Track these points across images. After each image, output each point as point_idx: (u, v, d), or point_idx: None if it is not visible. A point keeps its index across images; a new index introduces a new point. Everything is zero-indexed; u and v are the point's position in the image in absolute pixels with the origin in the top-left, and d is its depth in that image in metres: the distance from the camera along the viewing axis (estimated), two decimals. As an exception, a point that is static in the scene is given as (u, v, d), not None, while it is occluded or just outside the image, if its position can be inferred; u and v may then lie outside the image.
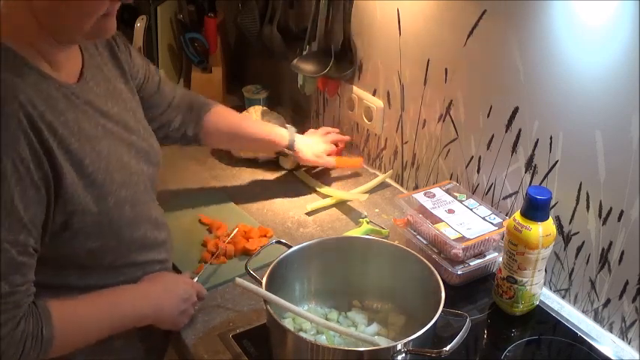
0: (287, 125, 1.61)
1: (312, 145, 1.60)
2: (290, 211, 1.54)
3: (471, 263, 1.27)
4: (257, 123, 1.65)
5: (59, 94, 0.95)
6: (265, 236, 1.42)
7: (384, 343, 1.07)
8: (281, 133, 1.54)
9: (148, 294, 1.10)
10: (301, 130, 1.69)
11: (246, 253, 1.35)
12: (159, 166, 1.19)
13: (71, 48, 1.00)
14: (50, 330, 0.93)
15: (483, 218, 1.31)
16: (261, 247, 1.29)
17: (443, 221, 1.30)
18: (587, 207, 1.18)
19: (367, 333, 1.11)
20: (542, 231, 1.13)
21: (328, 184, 1.65)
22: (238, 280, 1.03)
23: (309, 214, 1.53)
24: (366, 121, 1.70)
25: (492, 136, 1.35)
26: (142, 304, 1.08)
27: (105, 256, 1.04)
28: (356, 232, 1.42)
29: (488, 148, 1.37)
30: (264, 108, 1.80)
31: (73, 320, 0.98)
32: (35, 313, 0.92)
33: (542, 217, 1.13)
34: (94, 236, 0.99)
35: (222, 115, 1.47)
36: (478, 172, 1.41)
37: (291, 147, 1.54)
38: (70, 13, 0.91)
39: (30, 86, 0.89)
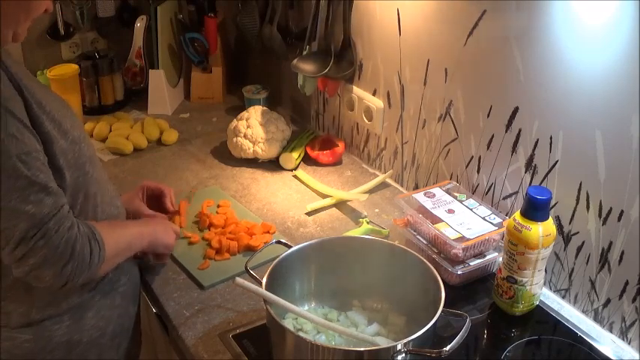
0: None
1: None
2: (290, 211, 1.55)
3: (470, 263, 1.27)
4: None
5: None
6: (268, 232, 1.43)
7: (384, 343, 1.06)
8: None
9: (145, 222, 1.30)
10: (301, 130, 1.69)
11: (250, 250, 1.36)
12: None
13: None
14: (100, 233, 1.06)
15: (483, 218, 1.31)
16: (265, 243, 1.29)
17: (443, 221, 1.30)
18: (587, 207, 1.18)
19: (367, 333, 1.11)
20: (542, 231, 1.13)
21: (328, 184, 1.65)
22: (238, 279, 1.03)
23: (309, 214, 1.53)
24: (366, 121, 1.70)
25: (492, 136, 1.35)
26: (144, 228, 1.24)
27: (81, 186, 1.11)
28: (356, 232, 1.42)
29: (488, 148, 1.37)
30: (264, 108, 1.80)
31: (106, 232, 1.08)
32: (81, 222, 1.04)
33: (542, 217, 1.13)
34: (72, 168, 1.07)
35: None
36: (478, 172, 1.41)
37: None
38: (11, 11, 0.97)
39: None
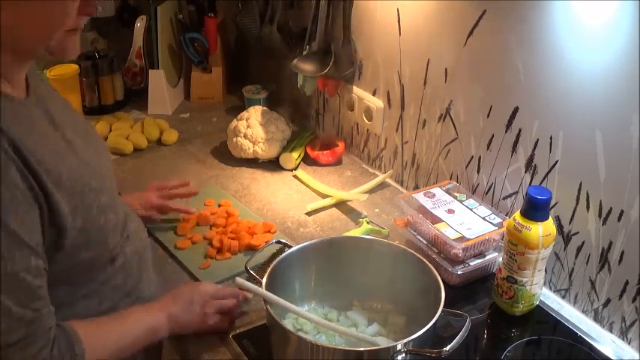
0: None
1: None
2: (290, 211, 1.55)
3: (470, 263, 1.27)
4: None
5: (24, 113, 0.91)
6: (269, 232, 1.43)
7: (384, 343, 1.06)
8: None
9: (152, 306, 1.09)
10: (301, 130, 1.69)
11: (251, 249, 1.36)
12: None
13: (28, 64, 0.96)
14: (81, 346, 0.92)
15: (483, 218, 1.31)
16: (266, 242, 1.29)
17: (443, 221, 1.30)
18: (587, 207, 1.18)
19: (367, 333, 1.11)
20: (542, 231, 1.13)
21: (328, 184, 1.65)
22: (238, 279, 1.03)
23: (309, 214, 1.53)
24: (366, 121, 1.70)
25: (492, 136, 1.35)
26: (151, 314, 1.07)
27: (95, 265, 1.01)
28: (356, 232, 1.42)
29: (488, 148, 1.37)
30: (264, 108, 1.80)
31: (97, 336, 0.97)
32: (63, 334, 0.91)
33: (542, 217, 1.13)
34: (84, 249, 0.96)
35: None
36: (478, 172, 1.41)
37: None
38: (35, 21, 0.86)
39: (3, 110, 0.85)
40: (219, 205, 1.53)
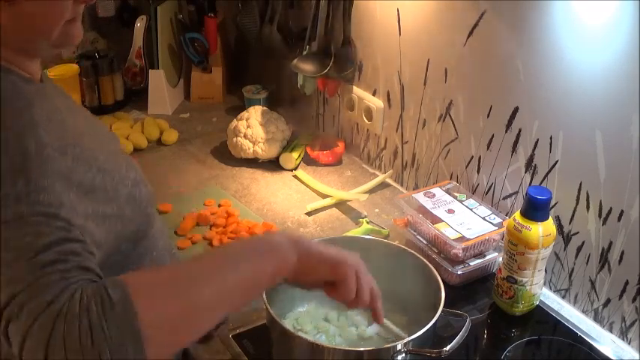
0: None
1: None
2: (290, 211, 1.55)
3: (470, 263, 1.27)
4: None
5: (44, 93, 0.89)
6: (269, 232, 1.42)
7: (384, 343, 1.06)
8: None
9: (277, 238, 0.84)
10: (301, 130, 1.69)
11: None
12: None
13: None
14: (122, 290, 0.66)
15: (483, 218, 1.31)
16: None
17: (443, 221, 1.30)
18: (587, 207, 1.18)
19: (367, 333, 1.11)
20: (542, 231, 1.13)
21: (328, 184, 1.65)
22: None
23: (309, 214, 1.53)
24: (366, 121, 1.70)
25: (492, 136, 1.35)
26: (250, 242, 0.84)
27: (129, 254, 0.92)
28: (356, 232, 1.42)
29: (488, 148, 1.37)
30: (264, 108, 1.80)
31: (156, 281, 0.71)
32: (96, 284, 0.69)
33: (542, 217, 1.13)
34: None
35: None
36: (478, 172, 1.41)
37: None
38: (34, 22, 0.85)
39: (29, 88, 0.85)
40: (219, 205, 1.53)
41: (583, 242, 1.21)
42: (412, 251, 1.14)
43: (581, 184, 1.18)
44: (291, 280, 0.85)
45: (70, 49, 2.07)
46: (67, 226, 0.72)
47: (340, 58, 1.67)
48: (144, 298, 0.66)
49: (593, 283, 1.21)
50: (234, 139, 1.72)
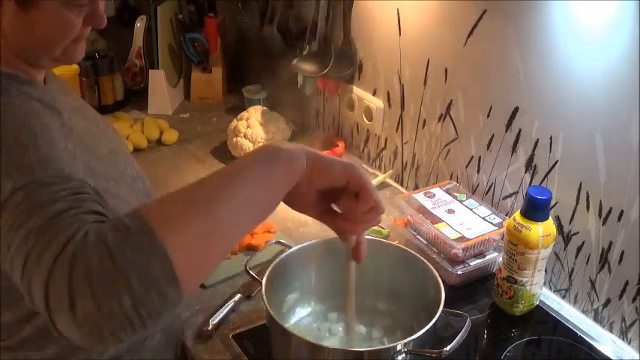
0: None
1: None
2: (290, 210, 1.53)
3: (470, 263, 1.27)
4: None
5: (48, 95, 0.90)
6: (269, 232, 1.42)
7: (384, 343, 1.06)
8: None
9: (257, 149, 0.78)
10: (301, 130, 1.68)
11: (251, 249, 1.36)
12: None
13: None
14: (138, 218, 0.64)
15: (483, 218, 1.31)
16: (266, 242, 1.28)
17: (443, 221, 1.30)
18: (587, 207, 1.18)
19: (367, 333, 1.11)
20: (542, 231, 1.13)
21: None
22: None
23: (309, 214, 1.53)
24: (366, 121, 1.70)
25: (492, 136, 1.35)
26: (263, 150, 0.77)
27: None
28: (356, 232, 1.42)
29: (488, 148, 1.37)
30: (264, 108, 1.80)
31: (171, 205, 0.68)
32: (110, 219, 0.68)
33: (542, 217, 1.13)
34: None
35: None
36: (478, 172, 1.41)
37: None
38: (41, 32, 0.85)
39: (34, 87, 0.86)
40: None
41: (583, 242, 1.21)
42: (412, 251, 1.14)
43: (581, 184, 1.18)
44: (306, 184, 0.79)
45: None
46: (80, 184, 0.71)
47: (340, 58, 1.67)
48: (162, 222, 0.64)
49: (593, 283, 1.21)
50: (234, 139, 1.72)
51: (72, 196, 0.68)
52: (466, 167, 1.44)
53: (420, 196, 1.39)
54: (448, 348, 0.94)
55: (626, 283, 1.15)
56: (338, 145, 1.75)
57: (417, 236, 1.34)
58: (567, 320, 1.22)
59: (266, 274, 1.06)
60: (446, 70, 1.42)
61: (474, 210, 1.34)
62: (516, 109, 1.27)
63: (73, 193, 0.69)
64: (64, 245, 0.61)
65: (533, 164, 1.27)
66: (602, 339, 1.18)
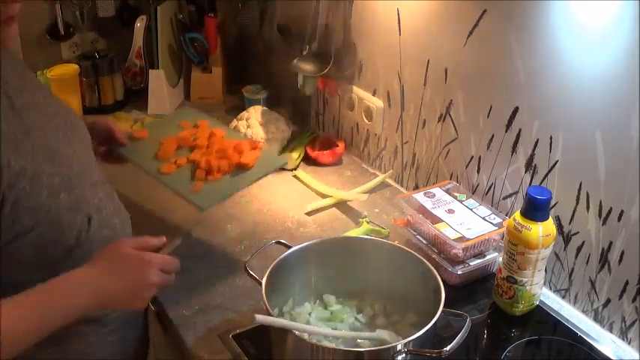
0: None
1: None
2: (290, 211, 1.54)
3: (470, 263, 1.27)
4: None
5: None
6: (256, 148, 1.36)
7: (387, 338, 1.06)
8: None
9: (85, 279, 0.93)
10: (301, 130, 1.68)
11: (241, 168, 1.31)
12: (90, 142, 1.12)
13: None
14: None
15: (483, 218, 1.31)
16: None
17: (443, 221, 1.30)
18: (587, 207, 1.18)
19: (367, 334, 1.11)
20: (542, 231, 1.13)
21: (328, 184, 1.65)
22: (258, 316, 0.95)
23: (309, 214, 1.53)
24: (366, 121, 1.70)
25: (492, 136, 1.35)
26: (76, 293, 0.92)
27: (49, 247, 0.96)
28: (356, 232, 1.42)
29: (488, 148, 1.37)
30: (264, 108, 1.80)
31: (15, 318, 0.84)
32: None
33: (542, 217, 1.13)
34: (35, 231, 0.92)
35: None
36: (478, 172, 1.41)
37: None
38: None
39: None
40: (196, 126, 1.45)
41: (583, 242, 1.21)
42: (412, 251, 1.14)
43: (581, 184, 1.18)
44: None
45: (70, 50, 2.08)
46: None
47: (340, 58, 1.67)
48: None
49: (593, 283, 1.21)
50: (234, 139, 1.72)
51: None
52: (466, 167, 1.44)
53: (420, 196, 1.39)
54: (448, 348, 0.94)
55: (626, 283, 1.15)
56: (338, 145, 1.75)
57: (417, 236, 1.34)
58: (567, 320, 1.22)
59: (266, 274, 1.06)
60: (446, 70, 1.42)
61: (474, 210, 1.34)
62: (516, 109, 1.27)
63: None
64: None
65: (533, 164, 1.27)
66: (602, 339, 1.18)
